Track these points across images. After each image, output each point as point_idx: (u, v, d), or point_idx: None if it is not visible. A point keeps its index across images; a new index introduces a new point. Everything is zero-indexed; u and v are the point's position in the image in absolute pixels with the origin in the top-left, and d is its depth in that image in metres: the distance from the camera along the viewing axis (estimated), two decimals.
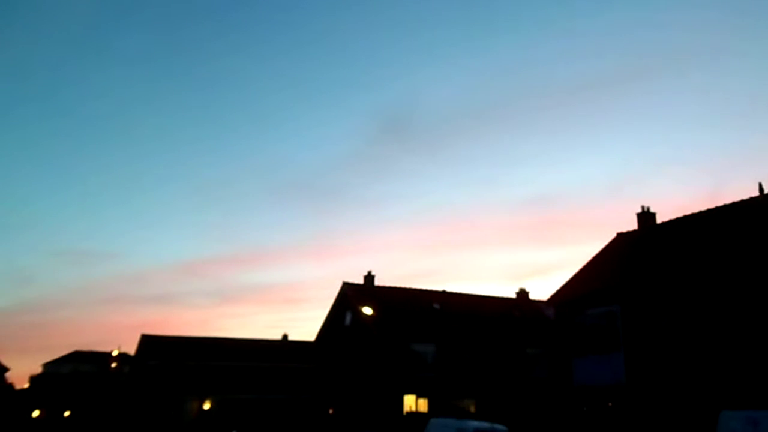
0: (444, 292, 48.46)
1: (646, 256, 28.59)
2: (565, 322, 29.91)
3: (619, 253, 30.91)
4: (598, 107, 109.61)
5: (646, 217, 31.67)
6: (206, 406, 46.42)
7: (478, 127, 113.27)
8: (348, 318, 45.22)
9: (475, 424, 23.20)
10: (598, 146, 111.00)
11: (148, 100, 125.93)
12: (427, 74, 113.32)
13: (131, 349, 58.84)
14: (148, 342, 51.10)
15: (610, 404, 26.85)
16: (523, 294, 51.20)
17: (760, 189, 26.73)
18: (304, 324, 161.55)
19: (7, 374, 64.08)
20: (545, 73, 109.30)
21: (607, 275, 29.30)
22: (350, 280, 47.33)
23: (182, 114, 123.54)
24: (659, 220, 31.41)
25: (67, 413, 59.70)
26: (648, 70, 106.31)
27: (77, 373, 67.60)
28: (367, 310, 41.92)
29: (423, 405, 39.27)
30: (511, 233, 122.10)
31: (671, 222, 30.22)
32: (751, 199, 26.65)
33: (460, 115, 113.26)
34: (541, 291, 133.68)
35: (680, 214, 29.77)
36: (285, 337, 60.44)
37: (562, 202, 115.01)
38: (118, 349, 65.75)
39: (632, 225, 32.22)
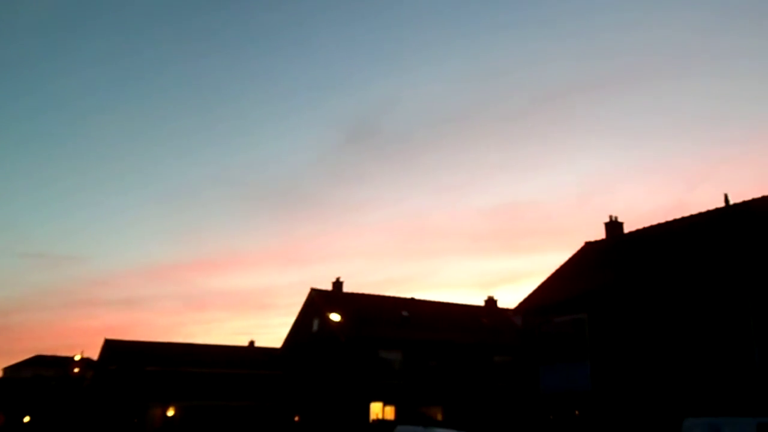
0: (412, 299, 48.40)
1: (614, 266, 28.80)
2: (532, 330, 29.96)
3: (587, 262, 31.10)
4: (567, 115, 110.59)
5: (613, 226, 31.90)
6: (170, 413, 45.57)
7: (447, 135, 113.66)
8: (316, 324, 44.92)
9: (442, 431, 23.19)
10: (568, 154, 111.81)
11: (114, 103, 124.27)
12: (395, 82, 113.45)
13: (95, 353, 57.79)
14: (111, 347, 50.08)
15: (576, 412, 26.94)
16: (491, 302, 51.30)
17: (726, 201, 27.18)
18: (272, 330, 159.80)
19: None
20: (514, 82, 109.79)
21: (574, 284, 29.43)
22: (319, 287, 47.08)
23: (149, 117, 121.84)
24: (627, 229, 31.71)
25: (27, 419, 58.31)
26: (617, 79, 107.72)
27: (39, 378, 66.15)
28: (335, 317, 41.56)
29: (390, 412, 39.08)
30: (480, 241, 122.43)
31: (638, 232, 30.51)
32: (717, 209, 27.08)
33: (429, 123, 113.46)
34: (510, 299, 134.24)
35: (648, 224, 30.14)
36: (252, 343, 59.76)
37: (532, 211, 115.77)
38: (81, 353, 64.58)
39: (600, 234, 32.47)
